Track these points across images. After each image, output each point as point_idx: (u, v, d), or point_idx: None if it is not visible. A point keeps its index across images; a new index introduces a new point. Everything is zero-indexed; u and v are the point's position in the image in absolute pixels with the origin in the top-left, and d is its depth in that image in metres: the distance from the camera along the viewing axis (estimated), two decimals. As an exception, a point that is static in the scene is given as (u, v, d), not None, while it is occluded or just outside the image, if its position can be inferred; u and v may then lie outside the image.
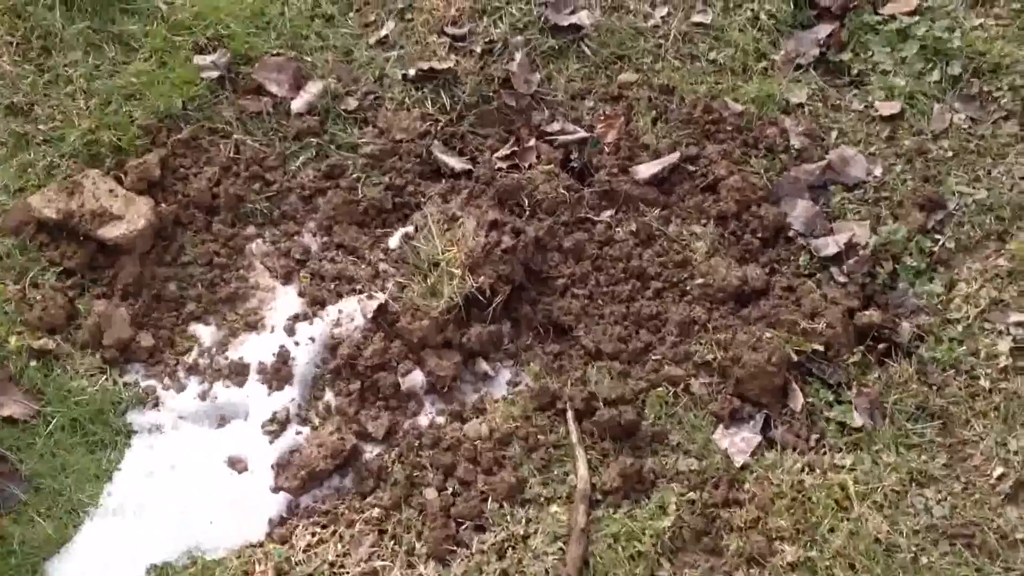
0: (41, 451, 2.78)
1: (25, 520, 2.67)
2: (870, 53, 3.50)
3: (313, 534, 2.63)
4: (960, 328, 2.91)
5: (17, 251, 3.06)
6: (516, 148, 3.30)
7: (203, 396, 2.88)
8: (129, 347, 2.96)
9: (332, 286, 3.07)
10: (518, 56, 3.43)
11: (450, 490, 2.68)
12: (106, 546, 2.63)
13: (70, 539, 2.66)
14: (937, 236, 3.07)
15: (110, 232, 3.03)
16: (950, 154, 3.25)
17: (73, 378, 2.88)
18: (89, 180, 3.13)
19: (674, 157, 3.23)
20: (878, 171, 3.24)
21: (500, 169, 3.22)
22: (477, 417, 2.81)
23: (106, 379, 2.91)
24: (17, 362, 2.89)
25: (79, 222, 3.03)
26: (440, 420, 2.82)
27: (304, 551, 2.61)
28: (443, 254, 2.93)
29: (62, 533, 2.66)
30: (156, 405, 2.88)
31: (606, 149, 3.30)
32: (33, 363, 2.90)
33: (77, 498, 2.72)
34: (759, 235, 3.09)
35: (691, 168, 3.25)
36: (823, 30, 3.53)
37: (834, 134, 3.32)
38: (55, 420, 2.81)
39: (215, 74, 3.41)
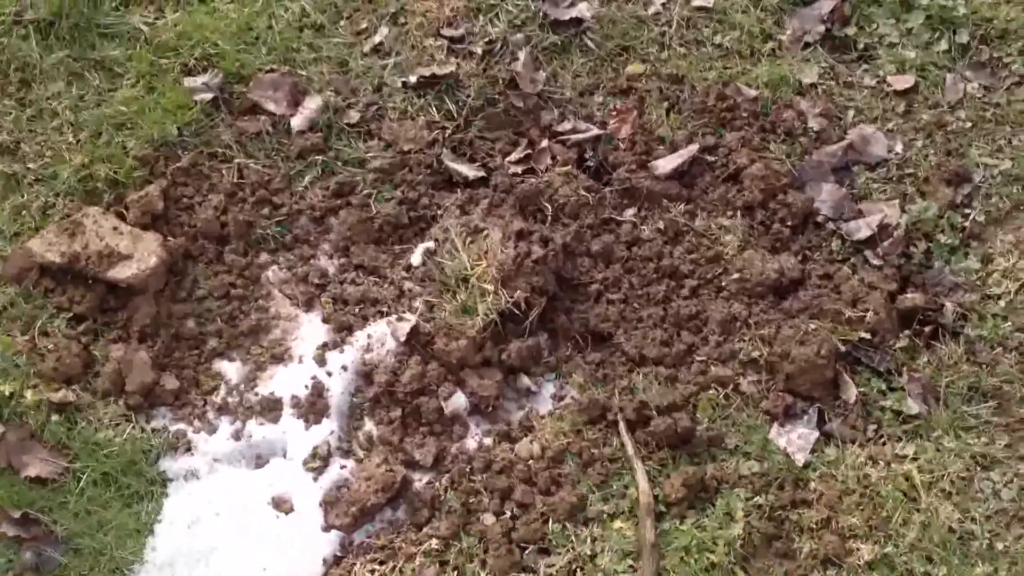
0: (75, 510, 2.69)
1: (69, 584, 2.57)
2: (875, 26, 3.47)
3: (372, 572, 2.58)
4: (1003, 304, 2.90)
5: (21, 299, 2.96)
6: (529, 151, 3.24)
7: (237, 436, 2.81)
8: (153, 391, 2.88)
9: (357, 310, 2.99)
10: (521, 55, 3.36)
11: (508, 514, 2.63)
12: (159, 605, 2.54)
13: (118, 600, 2.56)
14: (967, 210, 3.06)
15: (121, 273, 2.93)
16: (968, 125, 3.23)
17: (99, 429, 2.79)
18: (90, 219, 3.02)
19: (693, 149, 3.18)
20: (899, 147, 3.21)
21: (516, 174, 3.15)
22: (526, 435, 2.76)
23: (133, 427, 2.82)
24: (37, 417, 2.79)
25: (86, 265, 2.93)
26: (488, 442, 2.77)
27: (366, 590, 2.53)
28: (471, 269, 2.86)
29: (110, 596, 2.57)
30: (189, 449, 2.80)
31: (621, 145, 3.24)
32: (54, 417, 2.80)
33: (120, 556, 2.64)
34: (788, 223, 3.06)
35: (710, 159, 3.21)
36: (826, 5, 3.49)
37: (851, 113, 3.29)
38: (86, 476, 2.73)
39: (208, 96, 3.31)
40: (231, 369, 2.94)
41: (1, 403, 2.81)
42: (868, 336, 2.80)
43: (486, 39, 3.44)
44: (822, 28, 3.47)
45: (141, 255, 2.98)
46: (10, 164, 3.19)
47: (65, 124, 3.26)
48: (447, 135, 3.29)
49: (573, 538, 2.60)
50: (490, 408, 2.81)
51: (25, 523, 2.64)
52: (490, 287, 2.82)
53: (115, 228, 3.02)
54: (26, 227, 3.09)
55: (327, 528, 2.65)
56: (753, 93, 3.32)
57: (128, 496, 2.74)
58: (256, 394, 2.88)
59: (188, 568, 2.62)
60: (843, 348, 2.78)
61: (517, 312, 2.83)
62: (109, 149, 3.19)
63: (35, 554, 2.60)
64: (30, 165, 3.20)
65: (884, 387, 2.79)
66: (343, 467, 2.75)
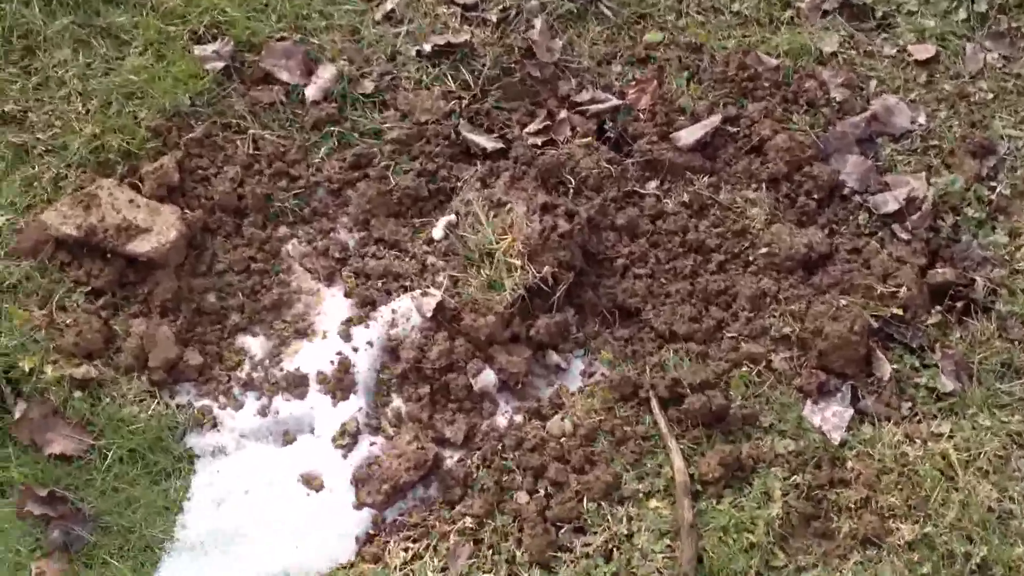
0: (102, 488, 2.62)
1: (98, 563, 2.53)
2: (893, -7, 3.40)
3: (406, 549, 2.53)
4: (1032, 278, 2.87)
5: (37, 273, 2.86)
6: (548, 122, 3.16)
7: (263, 412, 2.74)
8: (176, 366, 2.80)
9: (379, 284, 2.93)
10: (537, 23, 3.27)
11: (542, 492, 2.59)
12: (192, 583, 2.49)
13: (151, 579, 2.51)
14: (992, 183, 3.01)
15: (140, 247, 2.84)
16: (990, 96, 3.19)
17: (123, 405, 2.71)
18: (104, 191, 2.93)
19: (715, 120, 3.11)
20: (922, 119, 3.16)
21: (535, 146, 3.07)
22: (556, 413, 2.71)
23: (157, 403, 2.75)
24: (59, 393, 2.71)
25: (103, 238, 2.84)
26: (518, 419, 2.72)
27: (400, 569, 2.50)
28: (497, 243, 2.79)
29: (141, 573, 2.53)
30: (215, 426, 2.73)
31: (641, 116, 3.16)
32: (77, 393, 2.72)
33: (150, 534, 2.58)
34: (814, 196, 3.01)
35: (733, 130, 3.14)
36: (844, -28, 3.41)
37: (873, 83, 3.23)
38: (111, 453, 2.66)
39: (220, 64, 3.20)
40: (255, 344, 2.87)
41: (21, 379, 2.73)
42: (900, 312, 2.76)
43: (500, 6, 3.36)
44: (840, -5, 3.40)
45: (160, 228, 2.89)
46: (18, 134, 3.08)
47: (73, 93, 3.15)
48: (464, 105, 3.21)
49: (609, 517, 2.57)
50: (519, 385, 2.76)
51: (51, 501, 2.57)
52: (517, 262, 2.76)
53: (131, 200, 2.93)
54: (38, 199, 2.99)
55: (359, 506, 2.61)
56: (774, 62, 3.25)
57: (155, 473, 2.68)
58: (281, 369, 2.82)
59: (219, 547, 2.56)
60: (875, 324, 2.73)
61: (544, 287, 2.77)
62: (120, 119, 3.08)
63: (63, 532, 2.54)
64: (39, 135, 3.09)
65: (917, 364, 2.76)
66: (372, 444, 2.70)
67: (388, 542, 2.57)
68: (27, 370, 2.72)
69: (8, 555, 2.49)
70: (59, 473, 2.63)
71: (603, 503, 2.58)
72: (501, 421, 2.73)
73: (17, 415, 2.66)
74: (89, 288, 2.88)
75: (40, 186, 3.00)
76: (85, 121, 3.09)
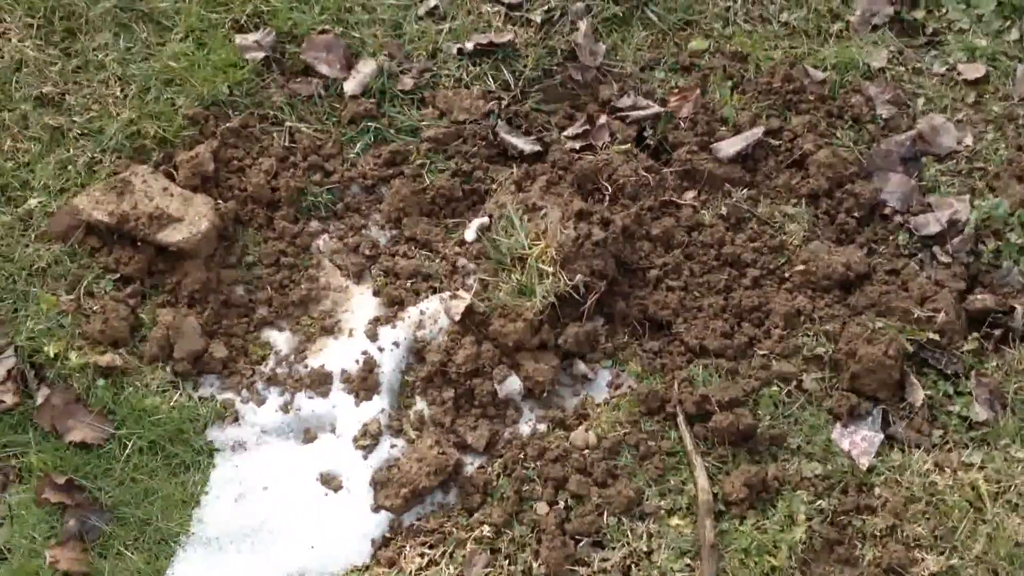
0: (120, 478, 2.62)
1: (113, 554, 2.52)
2: (944, 10, 3.33)
3: (422, 555, 2.50)
4: (1073, 310, 2.78)
5: (66, 257, 2.86)
6: (587, 127, 3.11)
7: (285, 408, 2.72)
8: (201, 358, 2.79)
9: (408, 284, 2.90)
10: (582, 25, 3.22)
11: (562, 504, 2.54)
12: (206, 579, 2.47)
13: (163, 573, 2.51)
14: (1037, 210, 2.93)
15: (171, 236, 2.83)
16: (1040, 120, 3.09)
17: (145, 395, 2.70)
18: (138, 178, 2.92)
19: (757, 132, 3.05)
20: (969, 140, 3.09)
21: (573, 150, 3.03)
22: (581, 424, 2.67)
23: (180, 394, 2.74)
24: (81, 380, 2.71)
25: (135, 226, 2.83)
26: (542, 428, 2.68)
27: (415, 574, 2.47)
28: (529, 248, 2.75)
29: (154, 567, 2.52)
30: (236, 420, 2.72)
31: (682, 124, 3.11)
32: (100, 381, 2.71)
33: (166, 527, 2.57)
34: (855, 214, 2.94)
35: (775, 143, 3.08)
36: (895, -14, 3.33)
37: (920, 101, 3.15)
38: (132, 443, 2.65)
39: (260, 55, 3.19)
40: (280, 339, 2.85)
41: (45, 364, 2.73)
42: (936, 337, 2.69)
43: (545, 7, 3.31)
44: (891, 10, 3.33)
45: (192, 219, 2.88)
46: (55, 116, 3.08)
47: (112, 77, 3.14)
48: (503, 106, 3.17)
49: (629, 533, 2.52)
50: (544, 393, 2.72)
51: (69, 489, 2.57)
52: (549, 268, 2.72)
53: (165, 189, 2.92)
54: (71, 183, 2.99)
55: (376, 508, 2.58)
56: (821, 75, 3.18)
57: (175, 466, 2.67)
58: (306, 366, 2.79)
59: (235, 543, 2.55)
60: (910, 348, 2.66)
61: (575, 296, 2.73)
62: (158, 106, 3.08)
63: (79, 522, 2.54)
64: (76, 118, 3.09)
65: (951, 391, 2.69)
66: (393, 446, 2.67)
67: (404, 547, 2.54)
68: (52, 355, 2.72)
69: (23, 541, 2.49)
70: (78, 461, 2.62)
71: (624, 518, 2.54)
72: (524, 429, 2.69)
73: (39, 401, 2.66)
74: (118, 275, 2.88)
75: (74, 170, 3.00)
76: (122, 106, 3.08)
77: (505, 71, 3.21)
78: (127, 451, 2.65)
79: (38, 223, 2.92)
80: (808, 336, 2.79)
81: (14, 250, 2.87)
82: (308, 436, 2.72)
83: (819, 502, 2.53)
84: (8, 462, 2.61)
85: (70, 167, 3.01)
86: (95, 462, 2.63)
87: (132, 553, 2.53)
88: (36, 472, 2.58)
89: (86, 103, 3.10)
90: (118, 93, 3.12)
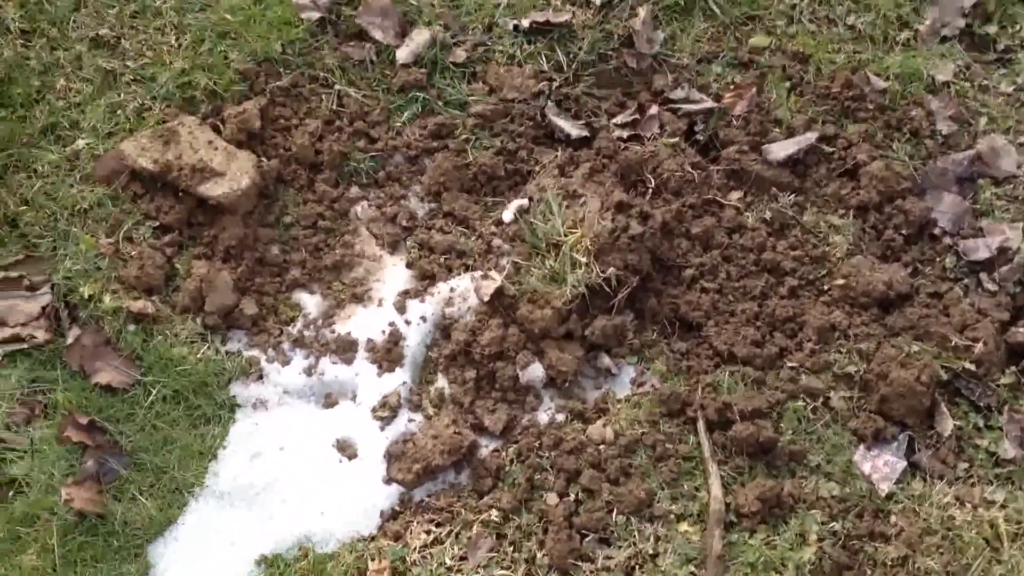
0: (142, 424, 2.65)
1: (127, 498, 2.56)
2: (1017, 27, 3.23)
3: (428, 532, 2.51)
4: (1115, 352, 2.70)
5: (109, 201, 2.89)
6: (637, 116, 3.07)
7: (309, 371, 2.74)
8: (231, 313, 2.82)
9: (442, 259, 2.89)
10: (641, 12, 3.17)
11: (573, 497, 2.54)
12: (213, 532, 2.53)
13: (175, 521, 2.55)
14: (1092, 244, 2.84)
15: (212, 190, 2.85)
16: (1105, 151, 2.99)
17: (174, 345, 2.73)
18: (185, 129, 2.93)
19: (811, 137, 2.99)
20: (1029, 165, 2.99)
21: (620, 139, 2.98)
22: (600, 418, 2.65)
23: (208, 347, 2.77)
24: (113, 324, 2.74)
25: (178, 176, 2.85)
26: (560, 418, 2.67)
27: (419, 551, 2.49)
28: (565, 236, 2.72)
29: (167, 515, 2.55)
30: (260, 378, 2.74)
31: (734, 122, 3.05)
32: (131, 327, 2.75)
33: (181, 477, 2.60)
34: (903, 231, 2.88)
35: (828, 149, 3.01)
36: (968, -2, 3.23)
37: (983, 120, 3.06)
38: (156, 390, 2.69)
39: (316, 15, 3.18)
40: (311, 302, 2.86)
41: (79, 304, 2.77)
42: (972, 367, 2.62)
43: (607, -12, 3.24)
44: (962, 22, 3.23)
45: (234, 174, 2.89)
46: (109, 59, 3.10)
47: (168, 25, 3.16)
48: (554, 87, 3.13)
49: (636, 533, 2.51)
50: (566, 383, 2.71)
51: (91, 430, 2.61)
52: (583, 258, 2.69)
53: (210, 142, 2.93)
54: (120, 128, 3.01)
55: (388, 481, 2.59)
56: (882, 84, 3.10)
57: (196, 417, 2.70)
58: (333, 331, 2.81)
59: (246, 500, 2.57)
60: (944, 376, 2.61)
61: (606, 288, 2.70)
62: (211, 58, 3.09)
63: (97, 463, 2.58)
64: (129, 63, 3.11)
65: (981, 424, 2.64)
66: (411, 420, 2.67)
67: (412, 522, 2.56)
68: (86, 296, 2.76)
69: (42, 476, 2.54)
70: (102, 403, 2.66)
71: (633, 518, 2.53)
72: (542, 417, 2.68)
73: (70, 340, 2.71)
74: (157, 223, 2.90)
75: (124, 115, 3.03)
76: (176, 55, 3.10)
77: (559, 52, 3.17)
78: (151, 398, 2.68)
79: (84, 164, 2.95)
80: (840, 353, 2.74)
81: (59, 189, 2.91)
82: (329, 401, 2.74)
83: (833, 524, 2.50)
84: (35, 397, 2.66)
85: (120, 112, 3.03)
86: (119, 406, 2.67)
87: (146, 499, 2.57)
88: (61, 410, 2.62)
89: (140, 49, 3.12)
90: (173, 42, 3.14)
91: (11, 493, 2.53)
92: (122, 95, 3.04)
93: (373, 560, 2.46)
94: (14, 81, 3.02)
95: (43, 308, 2.74)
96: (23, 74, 3.03)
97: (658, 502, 2.55)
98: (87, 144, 2.97)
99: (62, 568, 2.44)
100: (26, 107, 3.00)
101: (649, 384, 2.71)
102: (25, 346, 2.70)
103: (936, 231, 2.90)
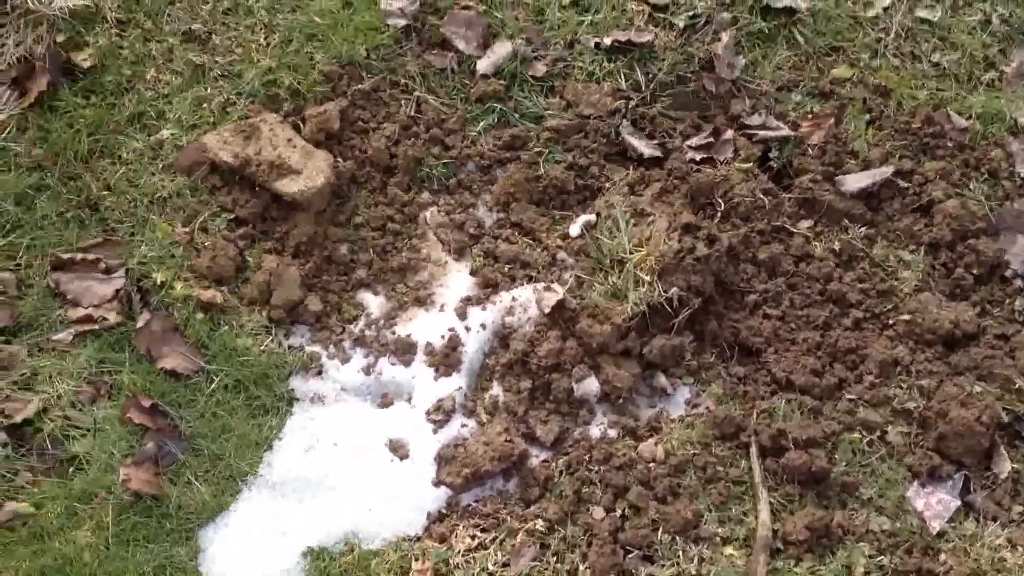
0: (202, 411, 2.74)
1: (183, 482, 2.64)
2: (1108, 72, 3.17)
3: (473, 537, 2.56)
4: None
5: (188, 191, 3.00)
6: (712, 139, 3.09)
7: (367, 370, 2.80)
8: (296, 308, 2.90)
9: (506, 268, 2.95)
10: (724, 37, 3.20)
11: (619, 512, 2.57)
12: (263, 521, 2.60)
13: (227, 508, 2.62)
14: None
15: (288, 187, 2.93)
16: None
17: (239, 335, 2.82)
18: (267, 125, 3.03)
19: (887, 171, 2.99)
20: (1106, 212, 2.95)
21: (693, 161, 3.01)
22: (652, 436, 2.68)
23: (271, 340, 2.85)
24: (182, 311, 2.84)
25: (256, 171, 2.94)
26: (612, 433, 2.70)
27: (463, 554, 2.53)
28: (630, 253, 2.76)
29: (219, 501, 2.63)
30: (320, 373, 2.81)
31: (810, 151, 3.06)
32: (199, 315, 2.84)
33: (236, 465, 2.68)
34: (973, 271, 2.86)
35: (903, 184, 3.00)
36: (1059, 40, 3.20)
37: (1063, 165, 3.01)
38: (219, 379, 2.77)
39: (402, 22, 3.26)
40: (374, 303, 2.93)
41: (151, 290, 2.87)
42: (1035, 411, 2.60)
43: (691, 12, 3.29)
44: (1050, 64, 3.20)
45: (310, 172, 2.98)
46: (200, 54, 3.21)
47: (258, 24, 3.26)
48: (630, 106, 3.17)
49: (681, 553, 2.53)
50: (620, 400, 2.74)
51: (153, 413, 2.70)
52: (646, 276, 2.73)
53: (289, 140, 3.02)
54: (204, 121, 3.12)
55: (437, 483, 2.64)
56: (964, 123, 3.09)
57: (255, 408, 2.78)
58: (393, 333, 2.87)
59: (298, 492, 2.64)
60: (1006, 418, 2.58)
61: (667, 308, 2.72)
62: (297, 58, 3.18)
63: (156, 445, 2.66)
64: (218, 59, 3.21)
65: (1039, 467, 2.60)
66: (464, 426, 2.72)
67: (457, 525, 2.60)
68: (159, 282, 2.86)
69: (102, 455, 2.63)
70: (166, 388, 2.75)
71: (678, 538, 2.54)
72: (594, 432, 2.72)
73: (140, 324, 2.80)
74: (232, 216, 3.00)
75: (209, 108, 3.13)
76: (263, 53, 3.20)
77: (638, 71, 3.21)
78: (213, 386, 2.76)
79: (167, 154, 3.06)
80: (901, 388, 2.73)
81: (141, 176, 3.02)
82: (384, 401, 2.80)
83: (880, 558, 2.49)
84: (102, 377, 2.76)
85: (205, 105, 3.13)
86: (181, 391, 2.75)
87: (201, 484, 2.64)
88: (125, 392, 2.71)
89: (230, 45, 3.23)
90: (261, 40, 3.24)
91: (71, 469, 2.62)
92: (209, 89, 3.15)
93: (417, 560, 2.51)
94: (107, 69, 3.15)
95: (116, 291, 2.84)
96: (116, 63, 3.15)
97: (705, 524, 2.56)
98: (171, 135, 3.08)
99: (115, 547, 2.53)
100: (116, 95, 3.12)
101: (704, 406, 2.73)
102: (96, 327, 2.80)
103: (1007, 273, 2.87)
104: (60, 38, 3.11)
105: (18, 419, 2.63)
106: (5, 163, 2.99)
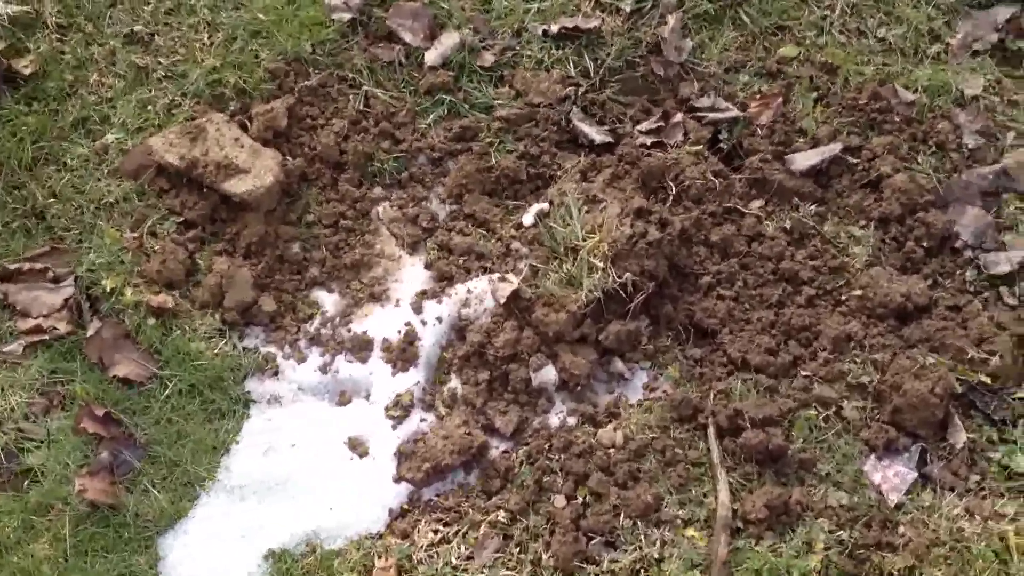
0: (157, 417, 2.73)
1: (140, 490, 2.64)
2: (1053, 43, 3.23)
3: (435, 531, 2.57)
4: None
5: (135, 195, 2.99)
6: (662, 123, 3.11)
7: (324, 369, 2.81)
8: (250, 310, 2.90)
9: (460, 261, 2.96)
10: (671, 20, 3.22)
11: (580, 500, 2.58)
12: (222, 526, 2.60)
13: (185, 515, 2.62)
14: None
15: (236, 187, 2.93)
16: None
17: (192, 339, 2.82)
18: (213, 125, 3.02)
19: (835, 148, 3.03)
20: (1056, 181, 3.00)
21: (644, 145, 3.04)
22: (611, 422, 2.70)
23: (225, 342, 2.85)
24: (133, 318, 2.83)
25: (203, 172, 2.94)
26: (571, 421, 2.72)
27: (426, 549, 2.54)
28: (583, 240, 2.78)
29: (177, 507, 2.63)
30: (276, 374, 2.82)
31: (759, 131, 3.09)
32: (151, 320, 2.84)
33: (194, 470, 2.68)
34: (923, 243, 2.90)
35: (852, 161, 3.04)
36: (1003, 13, 3.27)
37: (1011, 135, 3.07)
38: (172, 384, 2.77)
39: (347, 16, 3.26)
40: (328, 300, 2.94)
41: (102, 297, 2.86)
42: (988, 380, 2.64)
43: (637, -3, 3.30)
44: (995, 37, 3.25)
45: (258, 172, 2.97)
46: (142, 56, 3.20)
47: (201, 23, 3.25)
48: (580, 93, 3.18)
49: (642, 538, 2.55)
50: (578, 387, 2.76)
51: (107, 422, 2.69)
52: (599, 263, 2.75)
53: (236, 139, 3.02)
54: (149, 123, 3.11)
55: (398, 479, 2.66)
56: (910, 97, 3.13)
57: (211, 412, 2.78)
58: (349, 330, 2.88)
59: (258, 495, 2.64)
60: (959, 389, 2.63)
61: (622, 293, 2.75)
62: (242, 56, 3.18)
63: (111, 454, 2.66)
64: (161, 60, 3.20)
65: (995, 437, 2.65)
66: (423, 420, 2.74)
67: (419, 520, 2.61)
68: (108, 289, 2.85)
69: (56, 466, 2.62)
70: (119, 396, 2.74)
71: (639, 522, 2.57)
72: (553, 420, 2.74)
73: (91, 332, 2.79)
74: (181, 219, 2.99)
75: (154, 110, 3.12)
76: (207, 52, 3.19)
77: (587, 57, 3.22)
78: (167, 392, 2.76)
79: (112, 159, 3.05)
80: (855, 364, 2.77)
81: (87, 183, 3.01)
82: (342, 399, 2.81)
83: (840, 532, 2.53)
84: (54, 387, 2.75)
85: (150, 107, 3.12)
86: (135, 399, 2.75)
87: (158, 491, 2.64)
88: (79, 401, 2.70)
89: (173, 46, 3.21)
90: (205, 39, 3.23)
91: (26, 483, 2.60)
92: (153, 91, 3.14)
93: (379, 558, 2.52)
94: (49, 75, 3.13)
95: (65, 300, 2.83)
96: (57, 68, 3.13)
97: (666, 507, 2.59)
98: (116, 139, 3.07)
99: (73, 558, 2.52)
100: (59, 101, 3.11)
101: (661, 390, 2.76)
102: (47, 337, 2.79)
103: (958, 244, 2.92)
104: (0, 45, 3.07)
105: (-30, 434, 2.60)
106: (-53, 175, 2.94)
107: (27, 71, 3.11)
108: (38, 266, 2.86)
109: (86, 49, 3.18)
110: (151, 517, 2.58)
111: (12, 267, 2.85)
